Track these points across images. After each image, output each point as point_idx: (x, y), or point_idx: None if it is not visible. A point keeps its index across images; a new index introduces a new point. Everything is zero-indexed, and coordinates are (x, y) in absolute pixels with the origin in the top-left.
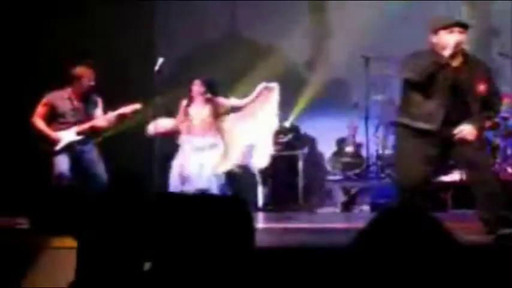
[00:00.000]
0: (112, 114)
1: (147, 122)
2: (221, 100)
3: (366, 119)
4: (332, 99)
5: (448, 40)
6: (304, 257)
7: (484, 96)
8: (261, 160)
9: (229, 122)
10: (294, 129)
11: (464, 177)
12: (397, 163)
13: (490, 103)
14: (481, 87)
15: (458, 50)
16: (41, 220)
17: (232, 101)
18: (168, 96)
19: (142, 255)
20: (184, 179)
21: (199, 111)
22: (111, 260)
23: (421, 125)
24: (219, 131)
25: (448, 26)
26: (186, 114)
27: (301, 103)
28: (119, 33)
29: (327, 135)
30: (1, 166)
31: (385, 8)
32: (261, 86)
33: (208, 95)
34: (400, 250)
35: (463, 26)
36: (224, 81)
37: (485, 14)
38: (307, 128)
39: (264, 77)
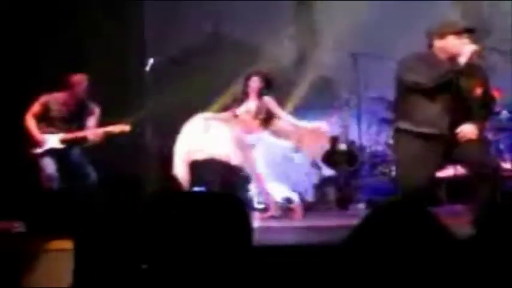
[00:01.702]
0: (100, 130)
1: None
2: (273, 105)
3: (358, 116)
4: (322, 98)
5: (459, 46)
6: (300, 255)
7: (481, 99)
8: None
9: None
10: None
11: (457, 172)
12: (400, 169)
13: (486, 105)
14: (479, 91)
15: (474, 55)
16: (36, 223)
17: (287, 117)
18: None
19: (139, 254)
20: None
21: (249, 107)
22: (108, 260)
23: (426, 129)
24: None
25: (457, 32)
26: (236, 108)
27: (291, 103)
28: (110, 33)
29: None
30: None
31: (372, 5)
32: (319, 125)
33: (265, 92)
34: (395, 245)
35: (471, 31)
36: (213, 83)
37: (476, 10)
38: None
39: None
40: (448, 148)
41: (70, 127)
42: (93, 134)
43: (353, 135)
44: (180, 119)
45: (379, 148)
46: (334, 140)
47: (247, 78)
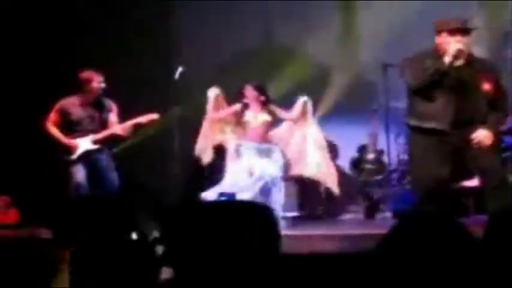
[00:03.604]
0: (129, 123)
1: (165, 133)
2: (274, 107)
3: (387, 125)
4: (352, 106)
5: (449, 44)
6: (327, 263)
7: (491, 95)
8: (309, 169)
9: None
10: None
11: None
12: (410, 167)
13: (497, 103)
14: (487, 87)
15: (460, 54)
16: (62, 232)
17: (283, 113)
18: (187, 106)
19: (166, 261)
20: (239, 185)
21: (256, 116)
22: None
23: (431, 124)
24: (271, 138)
25: (450, 30)
26: (241, 118)
27: (322, 109)
28: (138, 41)
29: (347, 141)
30: (21, 176)
31: (410, 15)
32: (301, 101)
33: (262, 99)
34: (423, 255)
35: (466, 31)
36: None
37: (501, 14)
38: (328, 134)
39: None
40: (458, 150)
41: (94, 128)
42: (123, 129)
43: (381, 144)
44: None
45: (407, 157)
46: (362, 149)
47: (242, 89)
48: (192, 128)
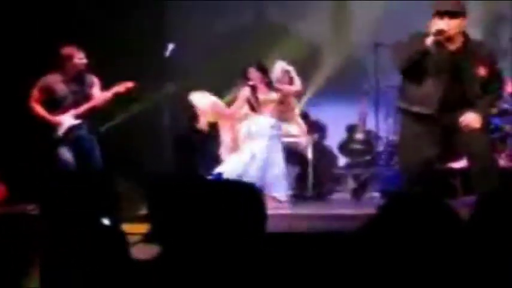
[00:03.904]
0: (108, 94)
1: (158, 109)
2: (279, 85)
3: (376, 105)
4: (342, 86)
5: (434, 26)
6: (313, 242)
7: (485, 79)
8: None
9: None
10: (304, 115)
11: None
12: (399, 149)
13: (490, 87)
14: (481, 71)
15: (440, 34)
16: (51, 206)
17: (291, 87)
18: (181, 83)
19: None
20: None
21: (267, 97)
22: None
23: (418, 108)
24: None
25: (437, 12)
26: (252, 101)
27: (313, 88)
28: (128, 18)
29: (336, 121)
30: (9, 152)
31: None
32: (286, 68)
33: (267, 80)
34: (410, 236)
35: (452, 14)
36: (241, 65)
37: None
38: (317, 114)
39: (280, 59)
40: (448, 132)
41: (78, 104)
42: (102, 99)
43: (370, 124)
44: None
45: (396, 138)
46: (351, 129)
47: (245, 73)
48: (183, 105)
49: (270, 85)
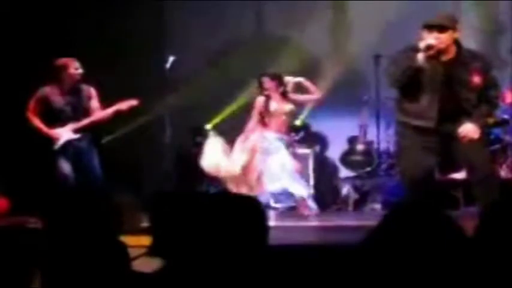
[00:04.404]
0: (110, 111)
1: (159, 121)
2: (294, 95)
3: (377, 117)
4: (343, 97)
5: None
6: (315, 255)
7: (481, 89)
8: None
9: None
10: (305, 127)
11: None
12: (399, 160)
13: (487, 96)
14: (476, 80)
15: (429, 49)
16: (53, 221)
17: (306, 97)
18: (182, 95)
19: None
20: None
21: (280, 107)
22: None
23: (418, 122)
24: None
25: (425, 26)
26: (265, 111)
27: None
28: (128, 31)
29: (337, 133)
30: (11, 165)
31: (403, 6)
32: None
33: (281, 90)
34: (412, 247)
35: (440, 27)
36: (241, 75)
37: (493, 12)
38: (318, 126)
39: (281, 70)
40: (446, 142)
41: (77, 116)
42: (102, 116)
43: (371, 135)
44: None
45: (396, 148)
46: (352, 140)
47: (260, 82)
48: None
49: (285, 95)
